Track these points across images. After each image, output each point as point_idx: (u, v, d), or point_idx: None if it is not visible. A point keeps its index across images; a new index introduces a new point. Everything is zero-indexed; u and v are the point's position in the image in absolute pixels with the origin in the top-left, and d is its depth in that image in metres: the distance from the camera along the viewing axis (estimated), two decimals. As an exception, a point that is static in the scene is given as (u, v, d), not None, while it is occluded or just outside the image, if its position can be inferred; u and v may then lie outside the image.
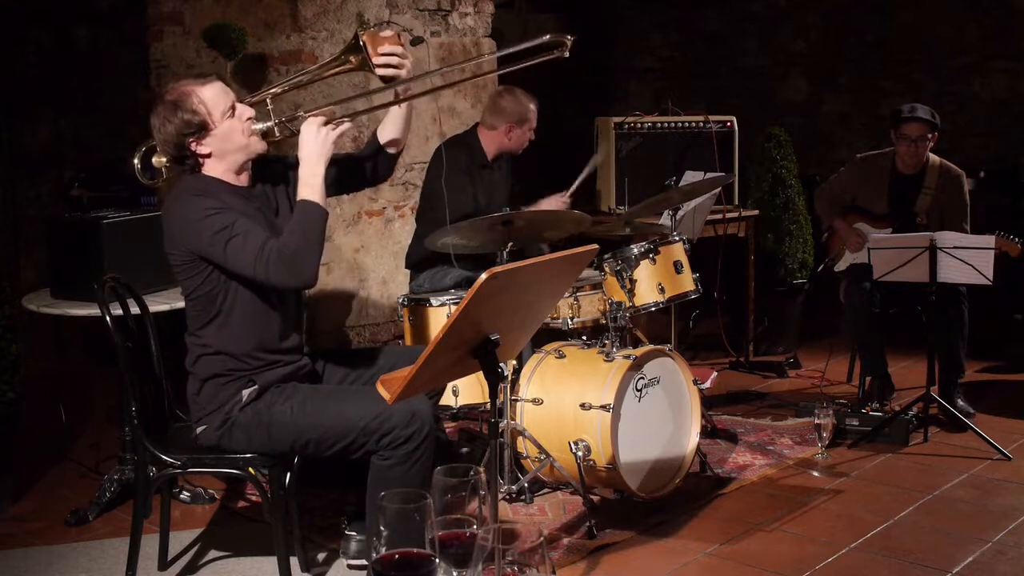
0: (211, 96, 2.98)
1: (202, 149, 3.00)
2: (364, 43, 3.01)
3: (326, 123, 2.98)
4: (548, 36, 2.91)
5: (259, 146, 3.07)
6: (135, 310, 3.33)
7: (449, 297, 4.07)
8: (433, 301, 4.04)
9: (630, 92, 8.81)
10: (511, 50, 3.02)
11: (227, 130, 3.00)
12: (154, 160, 3.33)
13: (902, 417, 4.49)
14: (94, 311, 3.30)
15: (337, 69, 3.12)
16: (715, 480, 4.05)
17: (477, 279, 2.27)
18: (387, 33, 3.08)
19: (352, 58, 3.07)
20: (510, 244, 3.81)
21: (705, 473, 4.10)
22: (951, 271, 4.35)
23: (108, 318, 3.09)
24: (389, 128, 3.32)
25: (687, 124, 5.70)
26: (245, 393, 3.03)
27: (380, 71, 3.04)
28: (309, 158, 2.97)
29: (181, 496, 3.90)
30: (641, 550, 3.48)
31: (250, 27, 4.96)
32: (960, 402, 4.71)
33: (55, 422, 4.59)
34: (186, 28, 5.19)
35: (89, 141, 7.61)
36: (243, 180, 3.10)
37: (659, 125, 5.68)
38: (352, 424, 2.95)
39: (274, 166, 3.23)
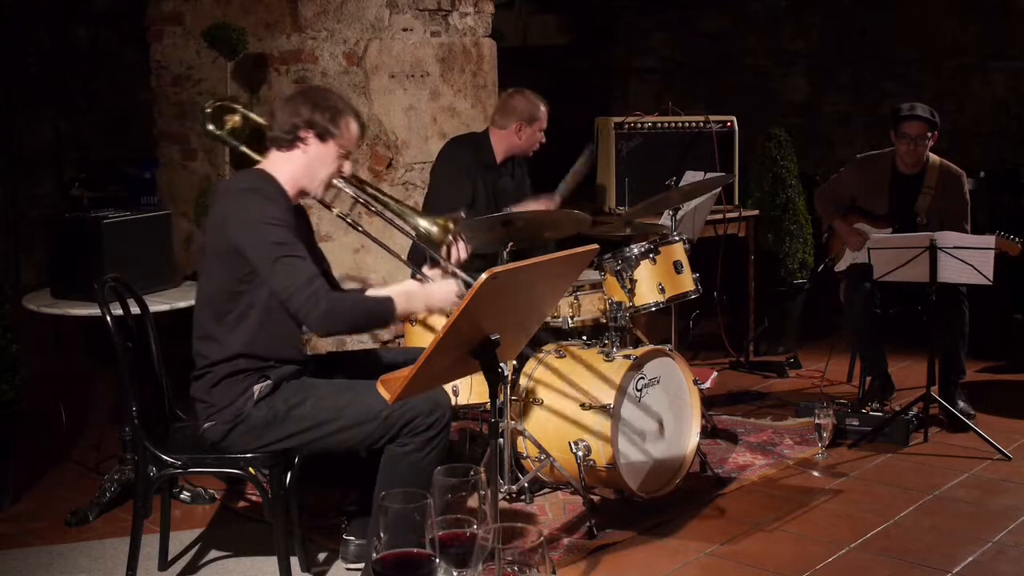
0: (354, 133, 3.17)
1: (305, 145, 3.11)
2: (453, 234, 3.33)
3: (460, 295, 3.12)
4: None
5: (321, 192, 3.20)
6: (135, 310, 3.33)
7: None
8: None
9: (630, 92, 8.81)
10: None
11: (329, 158, 3.13)
12: (229, 120, 3.47)
13: (902, 417, 4.49)
14: (94, 311, 3.30)
15: (416, 230, 3.39)
16: (715, 480, 4.05)
17: (477, 279, 2.27)
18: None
19: (436, 230, 3.34)
20: (510, 244, 3.81)
21: (705, 473, 4.10)
22: (951, 271, 4.35)
23: (108, 318, 3.09)
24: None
25: (687, 124, 5.70)
26: (257, 389, 3.04)
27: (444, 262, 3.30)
28: (429, 298, 3.15)
29: (181, 496, 3.90)
30: (641, 550, 3.49)
31: (250, 27, 4.96)
32: (961, 403, 4.70)
33: (55, 422, 4.58)
34: (186, 28, 5.19)
35: (89, 141, 7.61)
36: (295, 201, 3.19)
37: (659, 125, 5.67)
38: (375, 413, 2.98)
39: (308, 220, 3.39)
